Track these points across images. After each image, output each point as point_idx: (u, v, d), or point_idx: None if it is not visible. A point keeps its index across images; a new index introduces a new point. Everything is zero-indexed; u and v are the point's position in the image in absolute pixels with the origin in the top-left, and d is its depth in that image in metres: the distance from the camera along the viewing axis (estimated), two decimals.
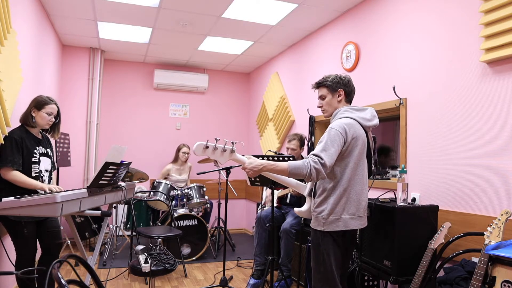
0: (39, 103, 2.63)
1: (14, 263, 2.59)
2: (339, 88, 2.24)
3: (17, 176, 2.45)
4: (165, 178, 5.37)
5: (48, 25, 4.31)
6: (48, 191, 2.46)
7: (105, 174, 2.39)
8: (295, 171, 2.01)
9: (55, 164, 2.85)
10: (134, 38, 4.95)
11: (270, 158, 2.78)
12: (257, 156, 2.83)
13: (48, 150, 2.77)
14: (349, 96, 2.28)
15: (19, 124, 2.67)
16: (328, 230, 2.12)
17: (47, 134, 2.82)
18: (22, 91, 3.23)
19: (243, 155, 2.22)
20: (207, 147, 2.14)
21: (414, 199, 2.85)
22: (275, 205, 3.49)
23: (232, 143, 2.18)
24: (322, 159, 2.00)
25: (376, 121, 2.25)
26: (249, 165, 2.10)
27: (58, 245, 2.76)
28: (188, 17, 4.16)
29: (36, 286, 2.49)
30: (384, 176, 3.33)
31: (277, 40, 4.90)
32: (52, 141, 2.98)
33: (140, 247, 2.71)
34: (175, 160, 5.55)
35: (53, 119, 2.70)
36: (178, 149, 5.57)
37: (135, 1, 3.80)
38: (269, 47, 5.21)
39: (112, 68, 5.93)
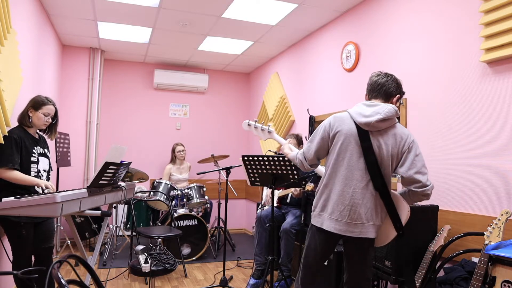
0: (36, 103, 2.61)
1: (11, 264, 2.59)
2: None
3: (15, 174, 2.44)
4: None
5: (48, 25, 4.31)
6: (44, 188, 2.47)
7: (105, 174, 2.39)
8: (293, 160, 2.29)
9: (51, 165, 2.85)
10: (134, 38, 4.95)
11: (271, 157, 2.84)
12: (256, 156, 2.88)
13: (46, 150, 2.76)
14: (368, 93, 2.14)
15: (17, 123, 2.66)
16: (313, 223, 2.12)
17: (43, 135, 2.80)
18: (22, 91, 3.23)
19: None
20: (249, 124, 2.80)
21: None
22: (275, 205, 3.49)
23: (268, 125, 2.75)
24: (304, 151, 2.17)
25: (375, 117, 1.95)
26: (282, 149, 2.45)
27: (49, 249, 2.74)
28: (188, 17, 4.16)
29: (35, 286, 2.49)
30: None
31: (277, 40, 4.90)
32: (51, 141, 2.97)
33: (140, 247, 2.71)
34: (173, 160, 5.59)
35: (50, 120, 2.67)
36: (173, 149, 5.60)
37: (135, 1, 3.80)
38: (269, 47, 5.21)
39: (112, 68, 5.93)
